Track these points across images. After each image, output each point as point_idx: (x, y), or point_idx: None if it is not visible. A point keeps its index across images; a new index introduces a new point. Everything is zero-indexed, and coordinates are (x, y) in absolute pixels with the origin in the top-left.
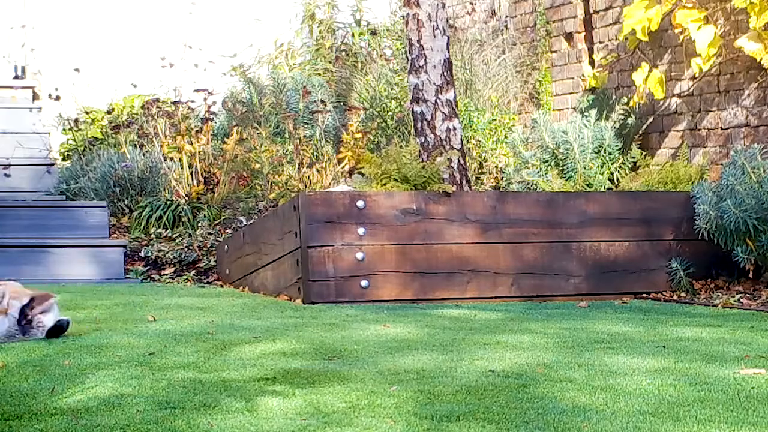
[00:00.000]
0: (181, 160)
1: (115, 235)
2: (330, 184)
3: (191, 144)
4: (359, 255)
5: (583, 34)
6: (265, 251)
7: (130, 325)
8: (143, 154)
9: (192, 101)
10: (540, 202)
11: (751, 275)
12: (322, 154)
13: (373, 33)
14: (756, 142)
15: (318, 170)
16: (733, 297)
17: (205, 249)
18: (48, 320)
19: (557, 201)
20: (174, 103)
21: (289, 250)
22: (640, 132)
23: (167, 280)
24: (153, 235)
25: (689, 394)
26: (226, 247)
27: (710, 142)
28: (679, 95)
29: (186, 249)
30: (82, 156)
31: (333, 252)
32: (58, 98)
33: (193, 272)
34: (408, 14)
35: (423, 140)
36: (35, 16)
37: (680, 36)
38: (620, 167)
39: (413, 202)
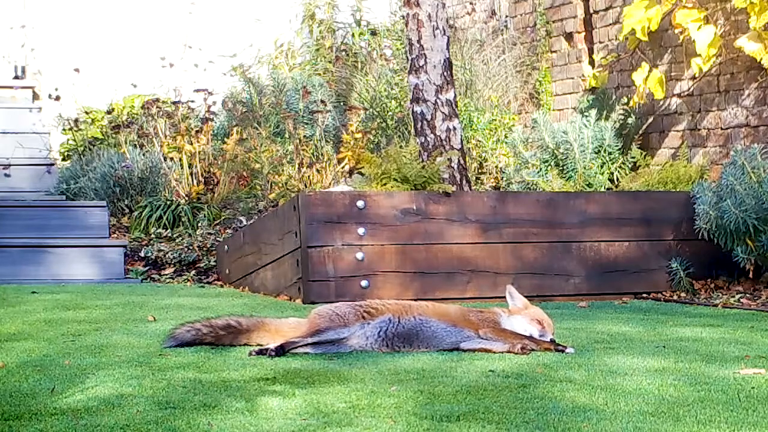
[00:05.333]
0: (181, 160)
1: (115, 235)
2: (330, 184)
3: (191, 144)
4: (359, 255)
5: (583, 34)
6: (265, 251)
7: (130, 325)
8: (143, 154)
9: (192, 101)
10: (540, 202)
11: (751, 275)
12: (322, 154)
13: (373, 33)
14: (756, 142)
15: (318, 170)
16: (733, 297)
17: (205, 249)
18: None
19: (557, 201)
20: (174, 103)
21: (289, 250)
22: (640, 132)
23: (167, 280)
24: (153, 235)
25: (689, 394)
26: (226, 247)
27: (710, 142)
28: (679, 95)
29: (186, 249)
30: (82, 156)
31: (333, 252)
32: (58, 98)
33: (193, 272)
34: (408, 14)
35: (423, 140)
36: (35, 16)
37: (680, 36)
38: (620, 167)
39: (413, 202)
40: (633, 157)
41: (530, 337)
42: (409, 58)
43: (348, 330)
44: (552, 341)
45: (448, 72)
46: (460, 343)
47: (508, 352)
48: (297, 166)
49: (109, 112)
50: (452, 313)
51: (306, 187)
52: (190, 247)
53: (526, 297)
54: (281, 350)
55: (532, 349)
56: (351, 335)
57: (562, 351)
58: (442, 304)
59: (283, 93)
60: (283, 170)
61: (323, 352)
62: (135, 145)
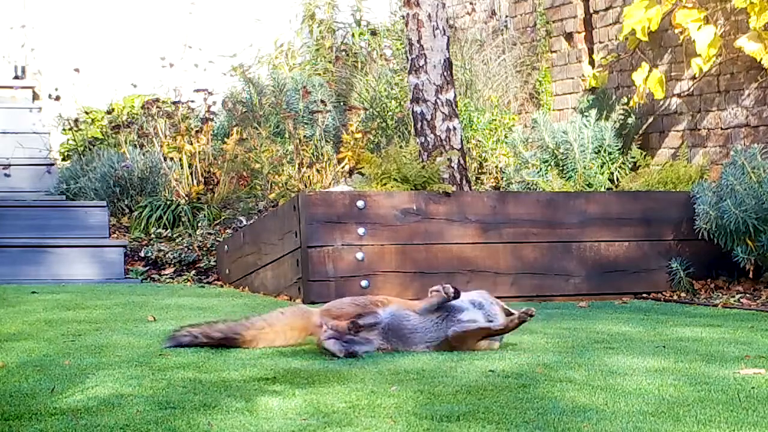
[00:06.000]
0: (181, 160)
1: (115, 235)
2: (330, 184)
3: (191, 144)
4: (359, 255)
5: (583, 34)
6: (265, 251)
7: (130, 325)
8: (143, 154)
9: (192, 101)
10: (540, 202)
11: (751, 275)
12: (322, 154)
13: (373, 33)
14: (756, 142)
15: (318, 170)
16: (733, 297)
17: (205, 249)
18: None
19: (557, 201)
20: (174, 103)
21: (289, 250)
22: (640, 132)
23: (167, 280)
24: (153, 235)
25: (689, 394)
26: (226, 247)
27: (710, 142)
28: (679, 95)
29: (186, 249)
30: (82, 156)
31: (333, 252)
32: (58, 98)
33: (193, 272)
34: (408, 14)
35: (423, 140)
36: (35, 16)
37: (680, 36)
38: (620, 167)
39: (413, 202)
40: (633, 157)
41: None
42: (409, 58)
43: (378, 315)
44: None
45: (448, 72)
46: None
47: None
48: (297, 166)
49: (109, 112)
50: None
51: (306, 187)
52: (190, 247)
53: (525, 297)
54: (355, 327)
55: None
56: (381, 319)
57: (528, 315)
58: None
59: (283, 93)
60: (283, 170)
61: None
62: (135, 145)
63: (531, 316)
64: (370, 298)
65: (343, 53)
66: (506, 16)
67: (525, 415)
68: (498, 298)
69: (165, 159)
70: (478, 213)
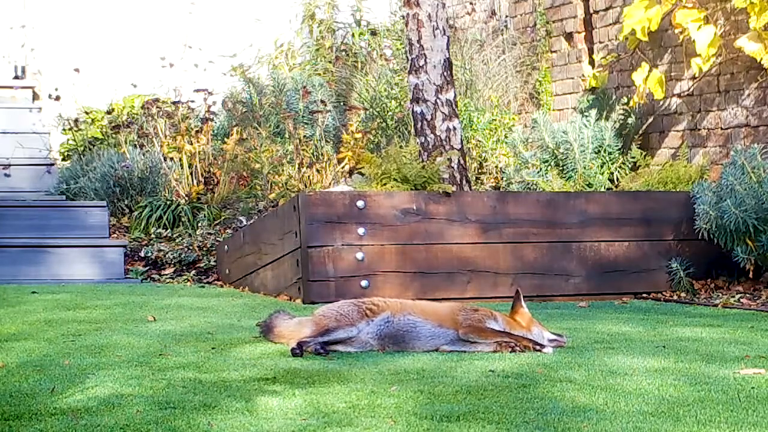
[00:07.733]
0: (181, 160)
1: (115, 235)
2: (330, 184)
3: (191, 144)
4: (359, 255)
5: (583, 34)
6: (265, 251)
7: (130, 325)
8: (143, 154)
9: (192, 101)
10: (540, 202)
11: (751, 275)
12: (322, 154)
13: (373, 33)
14: (756, 142)
15: (318, 170)
16: (733, 297)
17: (205, 249)
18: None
19: (557, 201)
20: (174, 103)
21: (289, 250)
22: (640, 132)
23: (167, 280)
24: (153, 235)
25: (689, 394)
26: (226, 247)
27: (710, 142)
28: (679, 95)
29: (186, 249)
30: (82, 156)
31: (333, 252)
32: (58, 98)
33: (193, 272)
34: (408, 14)
35: (423, 140)
36: (35, 16)
37: (680, 36)
38: (620, 167)
39: (413, 202)
40: (633, 157)
41: (508, 334)
42: (409, 58)
43: (356, 328)
44: (532, 340)
45: (448, 72)
46: (441, 345)
47: (494, 351)
48: (297, 166)
49: (109, 112)
50: (442, 312)
51: (306, 187)
52: (190, 247)
53: (525, 297)
54: (300, 348)
55: (515, 347)
56: (360, 333)
57: (540, 350)
58: (434, 303)
59: (283, 93)
60: (283, 170)
61: (360, 350)
62: (135, 145)
63: (513, 350)
64: (366, 303)
65: (343, 53)
66: (506, 16)
67: (525, 415)
68: (498, 298)
69: (165, 159)
70: (478, 213)
